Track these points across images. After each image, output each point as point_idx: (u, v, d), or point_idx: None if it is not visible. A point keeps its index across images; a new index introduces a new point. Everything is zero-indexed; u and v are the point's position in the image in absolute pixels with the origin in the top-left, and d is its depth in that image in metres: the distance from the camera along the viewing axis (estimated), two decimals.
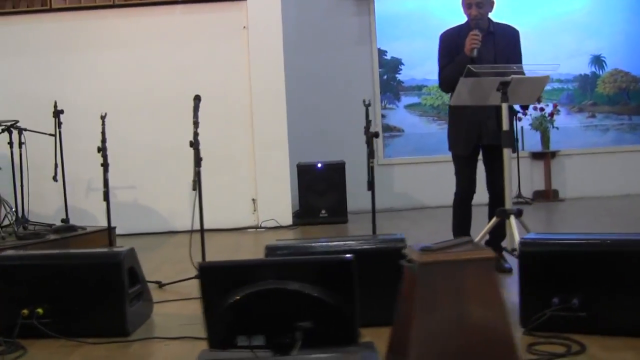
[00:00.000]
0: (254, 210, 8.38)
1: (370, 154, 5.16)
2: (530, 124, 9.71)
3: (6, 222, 7.01)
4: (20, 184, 7.21)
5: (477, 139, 5.14)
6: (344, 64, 9.61)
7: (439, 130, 10.06)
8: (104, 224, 8.08)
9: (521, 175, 9.53)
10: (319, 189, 8.42)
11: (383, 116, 9.99)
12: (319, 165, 8.52)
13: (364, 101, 5.68)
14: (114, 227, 7.41)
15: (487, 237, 4.99)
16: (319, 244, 3.76)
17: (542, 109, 9.61)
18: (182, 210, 8.29)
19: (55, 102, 7.08)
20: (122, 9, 8.21)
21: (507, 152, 4.70)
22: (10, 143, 7.02)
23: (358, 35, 9.61)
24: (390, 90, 10.08)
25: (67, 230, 6.95)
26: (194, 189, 5.22)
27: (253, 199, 8.38)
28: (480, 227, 4.97)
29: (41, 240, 6.57)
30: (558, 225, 8.12)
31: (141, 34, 8.30)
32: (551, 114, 9.59)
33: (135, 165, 8.33)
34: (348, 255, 2.84)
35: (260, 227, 8.28)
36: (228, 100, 8.31)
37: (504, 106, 4.65)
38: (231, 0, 8.24)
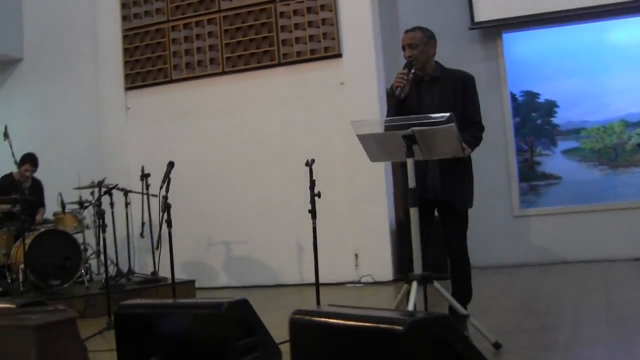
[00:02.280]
0: (356, 266, 8.82)
1: (313, 214, 5.45)
2: None
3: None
4: (127, 240, 8.53)
5: (421, 193, 4.88)
6: None
7: (601, 176, 9.66)
8: (223, 277, 9.21)
9: None
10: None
11: (538, 163, 9.80)
12: None
13: (307, 162, 5.76)
14: (194, 280, 8.43)
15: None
16: None
17: None
18: (291, 263, 9.07)
19: (143, 167, 8.32)
20: (231, 75, 9.32)
21: (413, 211, 4.62)
22: (112, 204, 8.36)
23: (487, 81, 9.63)
24: (545, 135, 9.85)
25: (149, 282, 8.08)
26: (157, 248, 5.93)
27: (355, 254, 8.83)
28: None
29: (120, 290, 7.77)
30: None
31: (249, 96, 9.25)
32: None
33: (249, 221, 9.25)
34: None
35: (359, 283, 8.70)
36: (329, 156, 8.89)
37: (409, 162, 4.53)
38: (327, 58, 8.91)
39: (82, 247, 7.92)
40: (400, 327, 3.10)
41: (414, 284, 4.62)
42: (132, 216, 8.48)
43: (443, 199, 4.98)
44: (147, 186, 8.25)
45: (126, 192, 8.39)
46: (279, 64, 9.07)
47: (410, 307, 4.46)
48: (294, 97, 9.06)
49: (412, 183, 4.60)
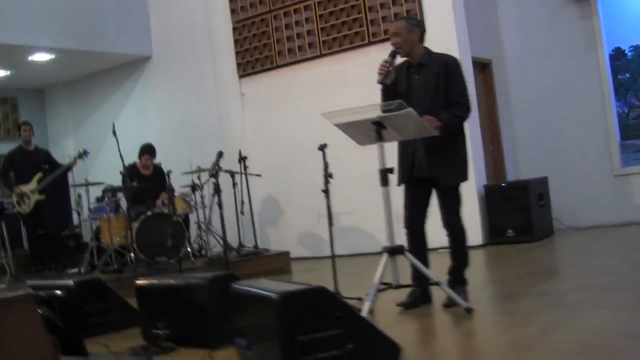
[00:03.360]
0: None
1: (326, 194, 6.15)
2: None
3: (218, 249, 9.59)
4: (236, 217, 9.61)
5: (410, 170, 5.59)
6: (571, 72, 9.85)
7: None
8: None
9: None
10: (506, 209, 9.00)
11: None
12: (504, 185, 9.10)
13: (320, 146, 6.45)
14: (288, 252, 9.39)
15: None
16: None
17: None
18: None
19: (240, 151, 9.38)
20: (328, 57, 10.12)
21: (384, 190, 5.40)
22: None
23: (583, 41, 9.74)
24: None
25: (251, 254, 9.16)
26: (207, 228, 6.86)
27: None
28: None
29: (223, 262, 8.89)
30: None
31: (345, 75, 9.97)
32: None
33: (354, 193, 10.03)
34: None
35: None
36: None
37: (379, 146, 5.29)
38: None
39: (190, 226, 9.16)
40: (275, 295, 3.88)
41: (385, 255, 5.22)
42: (239, 195, 9.52)
43: (430, 176, 5.50)
44: (245, 168, 9.29)
45: (232, 174, 9.45)
46: (370, 43, 9.75)
47: (378, 276, 5.12)
48: None
49: (381, 164, 5.30)
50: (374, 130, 5.27)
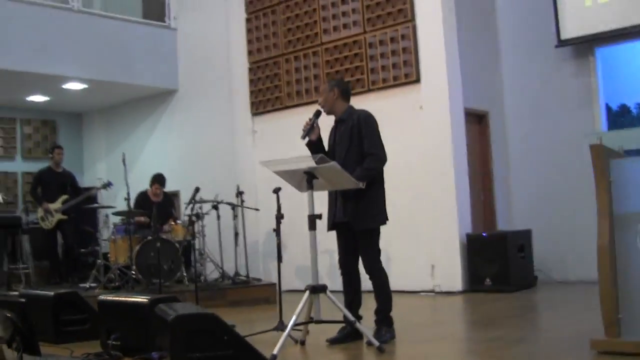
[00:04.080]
0: (432, 276, 9.94)
1: (277, 232, 6.79)
2: None
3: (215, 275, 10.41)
4: (235, 247, 10.40)
5: (333, 216, 6.23)
6: (568, 127, 10.31)
7: None
8: (326, 281, 10.78)
9: None
10: (486, 258, 9.53)
11: None
12: (484, 234, 9.66)
13: (274, 189, 6.79)
14: (275, 283, 10.09)
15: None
16: None
17: None
18: None
19: (238, 186, 10.20)
20: None
21: (311, 234, 5.95)
22: (218, 216, 10.29)
23: (579, 97, 10.23)
24: None
25: (241, 283, 9.93)
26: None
27: (432, 265, 9.95)
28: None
29: (213, 289, 9.71)
30: None
31: None
32: None
33: None
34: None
35: (432, 292, 9.82)
36: (412, 172, 10.11)
37: (309, 193, 5.91)
38: (408, 84, 10.16)
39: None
40: (169, 317, 4.65)
41: (307, 293, 5.88)
42: (238, 227, 10.33)
43: (345, 222, 6.14)
44: (242, 202, 10.10)
45: (233, 207, 10.26)
46: (369, 90, 10.48)
47: (297, 311, 5.74)
48: (382, 120, 10.35)
49: (310, 210, 5.95)
50: (305, 180, 5.90)
